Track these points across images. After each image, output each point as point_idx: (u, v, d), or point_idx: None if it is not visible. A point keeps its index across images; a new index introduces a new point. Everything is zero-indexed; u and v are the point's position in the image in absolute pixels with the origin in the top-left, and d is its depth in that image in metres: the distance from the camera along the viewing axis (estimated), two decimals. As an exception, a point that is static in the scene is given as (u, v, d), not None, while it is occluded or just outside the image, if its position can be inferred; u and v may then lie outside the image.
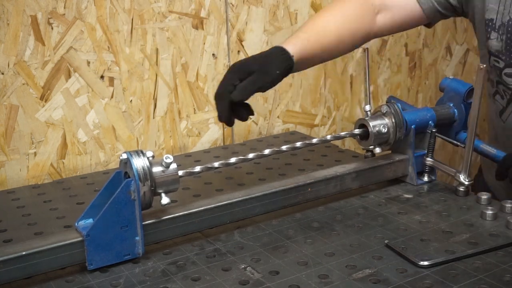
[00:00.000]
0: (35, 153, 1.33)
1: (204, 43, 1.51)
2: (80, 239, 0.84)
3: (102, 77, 1.39)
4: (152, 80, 1.45)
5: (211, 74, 1.53)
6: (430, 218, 1.00)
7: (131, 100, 1.43)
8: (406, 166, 1.15)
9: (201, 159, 1.38)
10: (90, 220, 0.87)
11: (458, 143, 1.16)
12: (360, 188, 1.11)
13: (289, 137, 1.56)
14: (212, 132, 1.56)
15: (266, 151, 1.02)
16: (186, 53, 1.49)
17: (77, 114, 1.37)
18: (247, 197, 0.98)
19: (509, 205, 1.01)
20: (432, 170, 1.15)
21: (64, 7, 1.31)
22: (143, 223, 0.88)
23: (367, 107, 1.12)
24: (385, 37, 1.81)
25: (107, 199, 0.85)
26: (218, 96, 1.05)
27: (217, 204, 0.95)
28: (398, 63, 1.91)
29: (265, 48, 1.40)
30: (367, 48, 1.17)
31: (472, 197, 1.08)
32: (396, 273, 0.83)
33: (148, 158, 0.88)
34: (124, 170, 0.89)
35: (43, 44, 1.30)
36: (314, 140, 1.08)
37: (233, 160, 1.00)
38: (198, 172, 0.96)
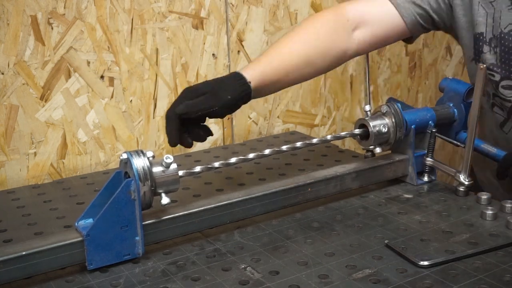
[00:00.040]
0: (35, 153, 1.34)
1: (204, 43, 1.51)
2: (80, 239, 0.84)
3: (102, 77, 1.39)
4: (152, 80, 1.45)
5: (211, 74, 1.53)
6: (430, 218, 1.00)
7: (131, 100, 1.43)
8: (406, 166, 1.14)
9: (201, 159, 1.38)
10: (90, 220, 0.87)
11: (458, 143, 1.16)
12: (360, 188, 1.11)
13: (289, 137, 1.56)
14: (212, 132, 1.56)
15: (266, 151, 1.02)
16: (186, 53, 1.49)
17: (77, 114, 1.37)
18: (247, 197, 0.98)
19: (509, 205, 1.01)
20: (432, 170, 1.15)
21: (64, 7, 1.31)
22: (143, 223, 0.88)
23: (367, 107, 1.12)
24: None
25: (107, 199, 0.85)
26: (167, 118, 1.01)
27: (217, 204, 0.95)
28: (398, 63, 1.91)
29: (265, 48, 1.40)
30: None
31: (472, 197, 1.08)
32: (396, 273, 0.82)
33: (148, 158, 0.88)
34: (124, 170, 0.89)
35: (43, 44, 1.30)
36: (314, 140, 1.08)
37: (233, 160, 1.00)
38: (198, 172, 0.96)
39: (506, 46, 1.13)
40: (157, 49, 1.45)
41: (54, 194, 1.20)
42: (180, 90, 1.48)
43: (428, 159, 1.14)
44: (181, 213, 0.92)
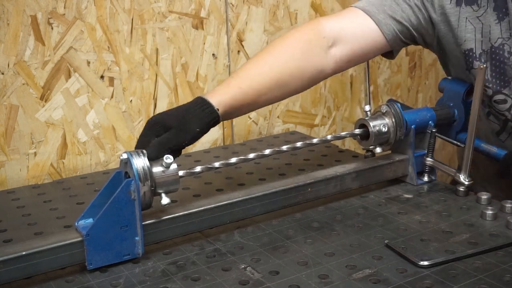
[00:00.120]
0: (35, 153, 1.34)
1: (204, 43, 1.51)
2: (80, 239, 0.84)
3: (102, 77, 1.39)
4: (152, 80, 1.45)
5: (211, 74, 1.53)
6: (430, 218, 1.00)
7: (131, 100, 1.43)
8: (406, 166, 1.15)
9: (201, 159, 1.38)
10: (90, 220, 0.87)
11: (458, 143, 1.16)
12: (360, 188, 1.11)
13: (289, 137, 1.56)
14: (212, 132, 1.56)
15: (266, 151, 1.02)
16: (186, 53, 1.49)
17: (77, 114, 1.37)
18: (247, 197, 0.98)
19: (509, 205, 1.01)
20: (432, 170, 1.15)
21: (64, 7, 1.31)
22: (143, 223, 0.88)
23: (367, 107, 1.12)
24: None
25: (107, 199, 0.85)
26: None
27: (217, 204, 0.95)
28: (398, 63, 1.91)
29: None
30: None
31: (472, 197, 1.08)
32: (396, 273, 0.82)
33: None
34: (124, 170, 0.89)
35: (43, 44, 1.30)
36: (314, 140, 1.08)
37: (233, 160, 1.00)
38: (198, 172, 0.96)
39: (497, 60, 1.12)
40: (157, 49, 1.45)
41: (54, 194, 1.20)
42: (180, 90, 1.49)
43: (428, 159, 1.14)
44: (181, 213, 0.92)
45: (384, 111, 1.10)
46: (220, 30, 1.53)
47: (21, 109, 1.30)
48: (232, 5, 1.53)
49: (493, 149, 1.14)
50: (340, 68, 1.17)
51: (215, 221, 0.96)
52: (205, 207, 0.94)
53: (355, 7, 1.18)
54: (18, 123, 1.30)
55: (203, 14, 1.49)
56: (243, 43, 1.57)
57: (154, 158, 0.91)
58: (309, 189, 1.04)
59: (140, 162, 0.87)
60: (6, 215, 1.09)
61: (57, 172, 1.37)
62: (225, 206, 0.96)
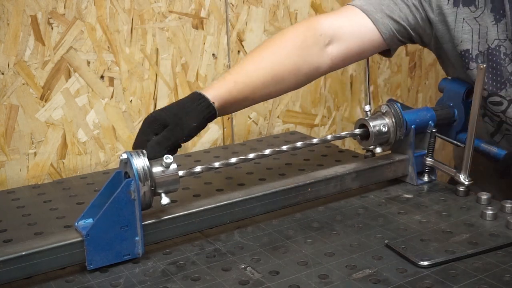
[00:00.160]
0: (35, 153, 1.34)
1: (204, 43, 1.51)
2: (80, 239, 0.84)
3: (102, 77, 1.39)
4: (152, 80, 1.45)
5: (211, 74, 1.53)
6: (430, 218, 1.00)
7: (131, 100, 1.43)
8: (406, 166, 1.15)
9: (201, 159, 1.38)
10: (90, 220, 0.87)
11: (458, 143, 1.16)
12: (360, 188, 1.11)
13: (289, 137, 1.56)
14: (212, 132, 1.56)
15: (266, 151, 1.02)
16: (186, 53, 1.49)
17: (77, 114, 1.37)
18: (247, 197, 0.98)
19: (509, 205, 1.01)
20: (432, 170, 1.15)
21: (64, 7, 1.31)
22: (143, 223, 0.88)
23: (367, 107, 1.12)
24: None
25: (107, 199, 0.85)
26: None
27: (217, 204, 0.95)
28: (398, 63, 1.91)
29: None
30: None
31: (472, 197, 1.08)
32: (396, 273, 0.82)
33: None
34: (124, 170, 0.89)
35: (43, 44, 1.30)
36: (314, 140, 1.08)
37: (233, 160, 1.00)
38: (198, 172, 0.96)
39: (494, 62, 1.12)
40: (157, 49, 1.45)
41: (54, 194, 1.20)
42: (180, 90, 1.49)
43: (428, 159, 1.14)
44: (181, 213, 0.92)
45: (384, 111, 1.10)
46: (220, 30, 1.53)
47: (21, 109, 1.30)
48: (232, 5, 1.53)
49: (493, 149, 1.14)
50: (336, 66, 1.17)
51: (215, 221, 0.96)
52: (205, 207, 0.94)
53: (353, 5, 1.18)
54: (18, 123, 1.30)
55: (203, 14, 1.49)
56: (243, 43, 1.57)
57: (153, 157, 0.91)
58: (309, 189, 1.04)
59: (140, 162, 0.87)
60: (6, 215, 1.09)
61: (57, 172, 1.37)
62: (225, 206, 0.96)
